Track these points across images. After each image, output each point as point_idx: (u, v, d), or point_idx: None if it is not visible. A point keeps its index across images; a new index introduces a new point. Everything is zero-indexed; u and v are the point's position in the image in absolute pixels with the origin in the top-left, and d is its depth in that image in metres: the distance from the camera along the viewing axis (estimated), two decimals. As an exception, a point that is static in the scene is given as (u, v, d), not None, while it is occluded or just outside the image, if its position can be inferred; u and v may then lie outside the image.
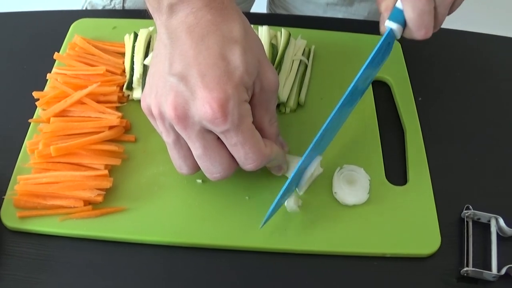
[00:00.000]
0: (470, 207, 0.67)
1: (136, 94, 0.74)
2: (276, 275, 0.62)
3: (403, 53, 0.85)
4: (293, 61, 0.79)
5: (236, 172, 0.64)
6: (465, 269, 0.62)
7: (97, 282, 0.61)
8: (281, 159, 0.65)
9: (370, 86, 0.79)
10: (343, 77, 0.80)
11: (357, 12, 1.06)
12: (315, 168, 0.66)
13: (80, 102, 0.71)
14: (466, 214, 0.67)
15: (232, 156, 0.59)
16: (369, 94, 0.79)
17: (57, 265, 0.61)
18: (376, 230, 0.65)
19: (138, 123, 0.72)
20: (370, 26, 0.90)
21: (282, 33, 0.81)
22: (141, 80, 0.74)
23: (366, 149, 0.73)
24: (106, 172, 0.65)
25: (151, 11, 0.60)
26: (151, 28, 0.79)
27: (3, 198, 0.64)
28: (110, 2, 0.98)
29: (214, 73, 0.54)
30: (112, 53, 0.80)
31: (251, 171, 0.60)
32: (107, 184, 0.65)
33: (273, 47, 0.78)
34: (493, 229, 0.66)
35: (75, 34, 0.80)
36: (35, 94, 0.72)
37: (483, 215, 0.67)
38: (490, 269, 0.63)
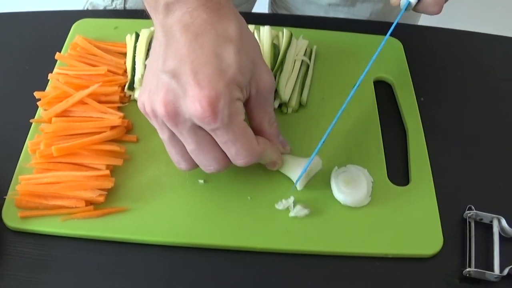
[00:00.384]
0: (473, 207, 0.67)
1: (138, 94, 0.74)
2: (279, 275, 0.62)
3: (405, 53, 0.85)
4: (295, 61, 0.79)
5: (238, 172, 0.64)
6: (467, 269, 0.62)
7: (99, 282, 0.61)
8: (275, 156, 0.66)
9: (372, 86, 0.79)
10: (345, 77, 0.80)
11: (359, 13, 1.06)
12: (313, 165, 0.66)
13: (81, 102, 0.71)
14: (468, 215, 0.67)
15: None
16: (371, 95, 0.79)
17: (59, 265, 0.61)
18: (378, 231, 0.65)
19: (140, 123, 0.72)
20: (372, 26, 0.90)
21: (284, 33, 0.81)
22: (142, 80, 0.74)
23: (368, 149, 0.73)
24: (107, 172, 0.65)
25: (148, 10, 0.60)
26: (152, 28, 0.79)
27: (5, 198, 0.64)
28: (112, 2, 0.98)
29: (207, 71, 0.55)
30: (114, 53, 0.80)
31: (243, 166, 0.61)
32: (108, 184, 0.65)
33: (275, 47, 0.78)
34: (496, 230, 0.66)
35: (77, 35, 0.80)
36: (37, 94, 0.72)
37: (485, 216, 0.67)
38: (492, 269, 0.63)
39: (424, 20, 0.71)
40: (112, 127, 0.70)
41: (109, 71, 0.76)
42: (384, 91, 0.81)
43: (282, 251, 0.64)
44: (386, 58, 0.73)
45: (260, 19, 0.83)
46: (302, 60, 0.80)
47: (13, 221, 0.63)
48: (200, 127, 0.57)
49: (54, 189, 0.63)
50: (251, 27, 0.80)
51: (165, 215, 0.64)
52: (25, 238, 0.63)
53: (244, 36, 0.59)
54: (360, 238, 0.64)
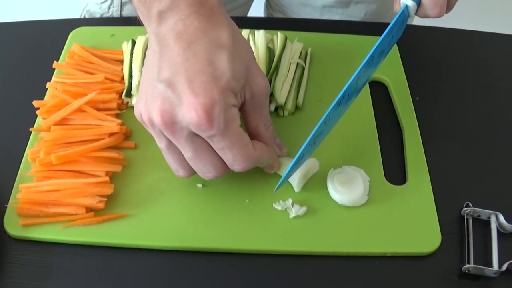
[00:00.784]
0: (470, 204, 0.68)
1: (135, 102, 0.75)
2: (279, 276, 0.63)
3: (400, 53, 0.86)
4: (290, 64, 0.79)
5: (236, 176, 0.64)
6: (466, 266, 0.63)
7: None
8: (271, 158, 0.66)
9: (368, 86, 0.80)
10: (340, 78, 0.80)
11: (354, 14, 1.06)
12: (310, 166, 0.66)
13: (80, 110, 0.71)
14: (466, 212, 0.67)
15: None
16: (366, 95, 0.79)
17: (61, 272, 0.62)
18: (376, 230, 0.65)
19: (138, 130, 0.73)
20: (367, 27, 0.91)
21: (279, 36, 0.81)
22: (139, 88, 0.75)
23: (365, 149, 0.73)
24: (107, 179, 0.66)
25: (141, 19, 0.60)
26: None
27: (6, 207, 0.65)
28: (108, 10, 0.99)
29: (201, 79, 0.55)
30: (111, 61, 0.80)
31: (240, 171, 0.61)
32: (108, 190, 0.65)
33: (270, 51, 0.78)
34: (493, 226, 0.66)
35: (74, 43, 0.81)
36: (35, 103, 0.73)
37: (483, 212, 0.67)
38: (491, 265, 0.63)
39: (418, 19, 0.72)
40: (111, 134, 0.70)
41: (106, 78, 0.76)
42: (379, 91, 0.81)
43: (282, 252, 0.64)
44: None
45: (255, 23, 0.84)
46: (298, 63, 0.80)
47: (15, 229, 0.63)
48: (197, 135, 0.57)
49: (54, 197, 0.64)
50: (246, 31, 0.81)
51: (164, 220, 0.65)
52: (27, 246, 0.63)
53: (237, 42, 0.59)
54: (359, 237, 0.65)
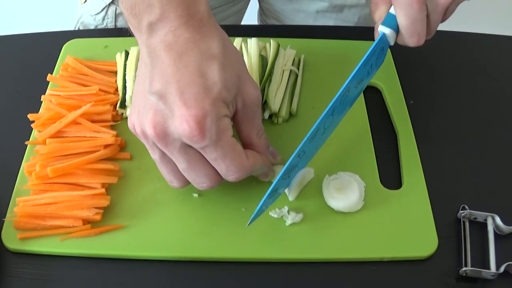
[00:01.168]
0: (466, 207, 0.68)
1: (129, 113, 0.75)
2: (276, 284, 0.63)
3: (393, 57, 0.86)
4: (283, 71, 0.79)
5: (231, 184, 0.64)
6: (463, 269, 0.63)
7: (99, 300, 0.61)
8: (265, 168, 0.66)
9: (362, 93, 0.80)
10: (334, 84, 0.80)
11: (348, 18, 1.06)
12: (305, 174, 0.67)
13: (74, 122, 0.72)
14: (462, 214, 0.67)
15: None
16: (360, 100, 0.79)
17: (59, 285, 0.62)
18: (373, 235, 0.65)
19: (133, 141, 0.72)
20: (360, 32, 0.91)
21: (271, 44, 0.81)
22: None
23: (360, 154, 0.73)
24: (103, 190, 0.66)
25: (132, 30, 0.61)
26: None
27: (3, 220, 0.65)
28: (102, 21, 0.99)
29: (192, 90, 0.55)
30: (105, 72, 0.80)
31: (234, 181, 0.61)
32: (104, 202, 0.65)
33: (263, 58, 0.79)
34: (490, 228, 0.66)
35: (67, 55, 0.81)
36: (30, 116, 0.73)
37: (479, 214, 0.67)
38: (488, 267, 0.63)
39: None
40: (106, 146, 0.70)
41: (100, 90, 0.76)
42: (373, 96, 0.81)
43: (279, 260, 0.64)
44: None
45: (248, 31, 0.84)
46: (291, 70, 0.80)
47: (12, 242, 0.63)
48: (190, 146, 0.57)
49: (51, 210, 0.64)
50: (239, 40, 0.81)
51: (161, 231, 0.65)
52: (25, 259, 0.63)
53: (228, 52, 0.59)
54: (356, 243, 0.65)
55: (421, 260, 0.65)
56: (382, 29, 0.66)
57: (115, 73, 0.80)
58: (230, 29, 0.63)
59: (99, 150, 0.69)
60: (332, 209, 0.67)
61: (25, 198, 0.66)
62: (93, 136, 0.71)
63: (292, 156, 0.62)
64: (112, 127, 0.74)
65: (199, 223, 0.66)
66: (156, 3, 0.56)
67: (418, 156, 0.73)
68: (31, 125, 0.73)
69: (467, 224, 0.67)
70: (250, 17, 1.23)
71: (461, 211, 0.68)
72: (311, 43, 0.87)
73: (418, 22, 0.64)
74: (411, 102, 0.80)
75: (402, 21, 0.64)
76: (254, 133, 0.64)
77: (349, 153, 0.73)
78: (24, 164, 0.70)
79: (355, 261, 0.64)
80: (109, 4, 0.97)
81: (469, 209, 0.67)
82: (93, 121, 0.72)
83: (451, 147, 0.76)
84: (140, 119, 0.58)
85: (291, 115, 0.77)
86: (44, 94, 0.77)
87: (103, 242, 0.64)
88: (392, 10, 0.66)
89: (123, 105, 0.75)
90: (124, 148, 0.73)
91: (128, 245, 0.64)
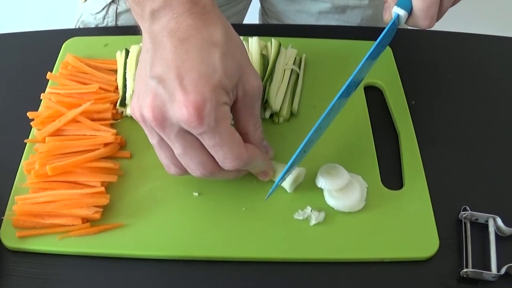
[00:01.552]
0: (468, 208, 0.67)
1: (130, 110, 0.75)
2: (276, 284, 0.62)
3: (394, 57, 0.86)
4: (284, 70, 0.79)
5: (231, 183, 0.64)
6: (464, 270, 0.62)
7: (98, 299, 0.61)
8: (264, 165, 0.66)
9: (362, 91, 0.80)
10: (335, 84, 0.80)
11: (350, 20, 1.06)
12: (300, 172, 0.68)
13: (74, 120, 0.71)
14: (464, 215, 0.67)
15: (212, 156, 0.60)
16: (361, 100, 0.79)
17: (58, 283, 0.61)
18: (374, 235, 0.65)
19: (133, 139, 0.73)
20: (361, 32, 0.91)
21: (272, 43, 0.81)
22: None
23: (361, 154, 0.73)
24: (102, 189, 0.66)
25: (136, 18, 0.61)
26: (141, 44, 0.79)
27: (2, 219, 0.65)
28: (103, 20, 0.99)
29: (193, 76, 0.55)
30: (105, 71, 0.80)
31: (230, 170, 0.61)
32: (104, 201, 0.65)
33: (264, 57, 0.78)
34: (491, 229, 0.66)
35: (67, 53, 0.81)
36: (30, 114, 0.73)
37: (480, 216, 0.67)
38: (489, 269, 0.63)
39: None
40: (106, 144, 0.70)
41: (100, 88, 0.76)
42: (374, 96, 0.81)
43: (279, 260, 0.64)
44: (375, 63, 0.73)
45: (250, 30, 0.84)
46: (292, 69, 0.80)
47: (11, 241, 0.63)
48: (187, 132, 0.57)
49: (50, 208, 0.64)
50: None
51: (161, 229, 0.65)
52: (24, 258, 0.63)
53: (230, 40, 0.59)
54: (356, 243, 0.65)
55: (422, 261, 0.64)
56: (397, 10, 0.68)
57: (115, 71, 0.80)
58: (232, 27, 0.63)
59: (98, 149, 0.69)
60: (333, 208, 0.67)
61: (24, 196, 0.66)
62: (93, 135, 0.71)
63: (314, 128, 0.63)
64: (112, 126, 0.74)
65: (199, 222, 0.66)
66: None
67: (420, 157, 0.73)
68: (31, 123, 0.73)
69: (468, 225, 0.67)
70: (252, 18, 1.23)
71: (462, 212, 0.67)
72: (312, 43, 0.87)
73: (433, 6, 0.66)
74: (413, 102, 0.80)
75: (418, 4, 0.67)
76: (251, 124, 0.64)
77: (350, 153, 0.73)
78: (23, 162, 0.70)
79: (355, 262, 0.64)
80: (110, 3, 0.97)
81: (471, 210, 0.67)
82: (92, 120, 0.72)
83: (453, 148, 0.76)
84: (139, 103, 0.58)
85: (292, 114, 0.77)
86: (44, 92, 0.77)
87: (102, 241, 0.63)
88: None
89: (123, 104, 0.75)
90: (124, 146, 0.73)
91: (127, 244, 0.63)
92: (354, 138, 0.75)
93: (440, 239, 0.65)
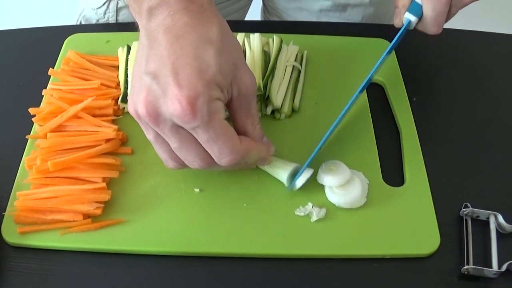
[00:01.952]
0: (469, 205, 0.67)
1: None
2: (277, 280, 0.62)
3: (396, 54, 0.86)
4: (286, 67, 0.79)
5: (232, 179, 0.64)
6: (465, 267, 0.62)
7: (99, 294, 0.61)
8: (262, 153, 0.66)
9: (365, 89, 0.80)
10: (337, 81, 0.81)
11: (351, 18, 1.06)
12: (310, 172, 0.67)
13: (76, 116, 0.71)
14: (465, 212, 0.67)
15: None
16: (363, 97, 0.79)
17: (59, 279, 0.61)
18: (375, 232, 0.65)
19: (135, 135, 0.73)
20: (363, 29, 0.91)
21: (274, 39, 0.81)
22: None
23: (363, 151, 0.73)
24: (104, 185, 0.66)
25: (134, 16, 0.61)
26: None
27: (3, 215, 0.65)
28: (104, 15, 0.99)
29: (186, 72, 0.55)
30: (106, 67, 0.80)
31: (227, 165, 0.61)
32: (105, 197, 0.65)
33: (265, 54, 0.78)
34: (492, 226, 0.66)
35: (69, 49, 0.81)
36: (31, 110, 0.73)
37: (482, 213, 0.67)
38: (490, 266, 0.63)
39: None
40: (107, 140, 0.70)
41: (102, 84, 0.76)
42: (376, 93, 0.81)
43: (280, 256, 0.64)
44: (377, 60, 0.73)
45: (251, 27, 0.84)
46: (294, 66, 0.80)
47: (12, 237, 0.63)
48: (181, 127, 0.57)
49: (51, 204, 0.64)
50: (242, 35, 0.81)
51: (162, 225, 0.65)
52: (25, 253, 0.63)
53: (226, 39, 0.59)
54: (358, 240, 0.65)
55: (423, 257, 0.65)
56: (408, 16, 0.73)
57: (117, 67, 0.80)
58: (233, 24, 0.63)
59: (100, 145, 0.69)
60: (334, 205, 0.67)
61: (26, 192, 0.66)
62: (94, 131, 0.71)
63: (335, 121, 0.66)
64: (113, 122, 0.74)
65: (200, 218, 0.66)
66: None
67: (421, 154, 0.73)
68: (32, 119, 0.73)
69: (469, 222, 0.67)
70: (253, 15, 1.23)
71: (464, 209, 0.67)
72: (314, 39, 0.87)
73: (442, 14, 0.71)
74: (414, 99, 0.80)
75: (428, 12, 0.71)
76: (249, 123, 0.64)
77: (352, 150, 0.73)
78: (24, 158, 0.70)
79: (357, 258, 0.64)
80: (110, -2, 0.98)
81: (472, 207, 0.67)
82: (94, 116, 0.72)
83: (454, 145, 0.76)
84: (134, 99, 0.58)
85: (293, 111, 0.77)
86: (46, 88, 0.77)
87: (103, 237, 0.64)
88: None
89: (124, 100, 0.75)
90: (125, 142, 0.73)
91: (128, 240, 0.63)
92: (355, 135, 0.75)
93: (441, 236, 0.65)
